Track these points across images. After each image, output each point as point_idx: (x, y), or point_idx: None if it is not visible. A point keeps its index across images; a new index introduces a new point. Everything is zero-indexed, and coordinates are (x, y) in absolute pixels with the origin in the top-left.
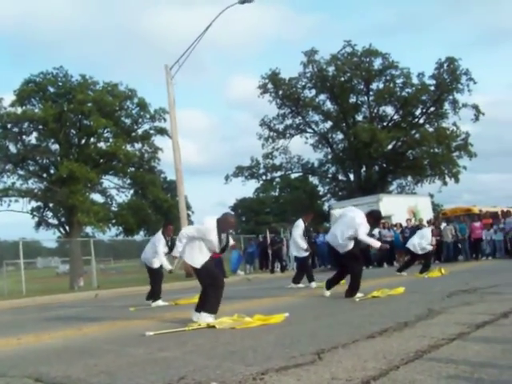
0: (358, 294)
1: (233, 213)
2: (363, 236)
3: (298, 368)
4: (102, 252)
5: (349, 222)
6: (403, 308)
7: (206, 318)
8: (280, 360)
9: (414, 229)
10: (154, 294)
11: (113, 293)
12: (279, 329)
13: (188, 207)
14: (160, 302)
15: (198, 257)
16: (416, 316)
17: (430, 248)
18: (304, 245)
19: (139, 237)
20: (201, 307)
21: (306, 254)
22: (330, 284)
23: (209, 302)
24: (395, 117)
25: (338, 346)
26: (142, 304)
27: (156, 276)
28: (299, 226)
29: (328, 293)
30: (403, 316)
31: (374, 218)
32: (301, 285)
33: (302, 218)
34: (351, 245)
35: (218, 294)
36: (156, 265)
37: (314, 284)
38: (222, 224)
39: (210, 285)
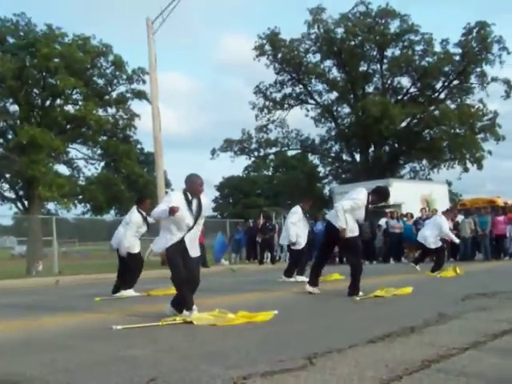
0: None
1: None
2: (339, 207)
3: (286, 373)
4: (65, 232)
5: (347, 196)
6: (410, 311)
7: (184, 312)
8: (266, 363)
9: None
10: (128, 282)
11: (76, 280)
12: (266, 328)
13: (167, 184)
14: (132, 292)
15: (161, 239)
16: (424, 320)
17: (456, 241)
18: (294, 237)
19: (109, 216)
20: (174, 301)
21: (302, 245)
22: (313, 280)
23: (176, 298)
24: (412, 90)
25: (332, 350)
26: (110, 294)
27: (137, 262)
28: (296, 212)
29: (311, 288)
30: (410, 320)
31: (380, 194)
32: (293, 279)
33: (300, 203)
34: (356, 230)
35: (183, 290)
36: (136, 249)
37: (301, 278)
38: (189, 187)
39: (172, 278)
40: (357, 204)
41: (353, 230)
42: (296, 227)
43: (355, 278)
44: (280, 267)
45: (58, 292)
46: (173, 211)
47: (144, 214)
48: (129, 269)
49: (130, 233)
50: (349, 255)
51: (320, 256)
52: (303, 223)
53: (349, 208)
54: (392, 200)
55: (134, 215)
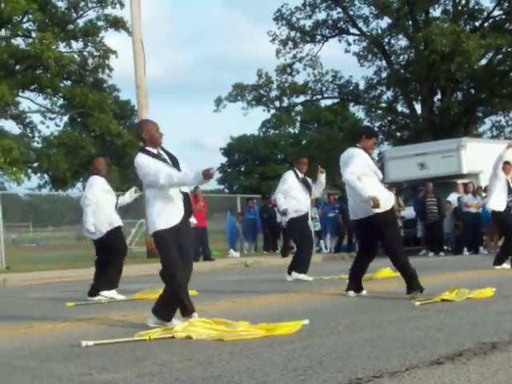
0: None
1: None
2: (349, 177)
3: None
4: (15, 213)
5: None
6: (490, 320)
7: (173, 322)
8: None
9: None
10: (107, 282)
11: (30, 278)
12: (292, 344)
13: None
14: (114, 294)
15: (161, 218)
16: (511, 334)
17: None
18: (283, 204)
19: (75, 192)
20: (159, 308)
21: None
22: (354, 283)
23: (161, 302)
24: (495, 13)
25: (382, 373)
26: (84, 297)
27: (115, 253)
28: (286, 180)
29: (352, 293)
30: (490, 333)
31: (359, 134)
32: (289, 277)
33: (293, 167)
34: (388, 200)
35: (181, 292)
36: (115, 222)
37: (301, 276)
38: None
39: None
40: (360, 161)
41: (384, 201)
42: (290, 198)
43: (405, 274)
44: (312, 261)
45: (6, 295)
46: (209, 175)
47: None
48: (109, 256)
49: (91, 200)
50: (382, 243)
51: (360, 249)
52: (301, 192)
53: (356, 170)
54: (466, 168)
55: (94, 184)
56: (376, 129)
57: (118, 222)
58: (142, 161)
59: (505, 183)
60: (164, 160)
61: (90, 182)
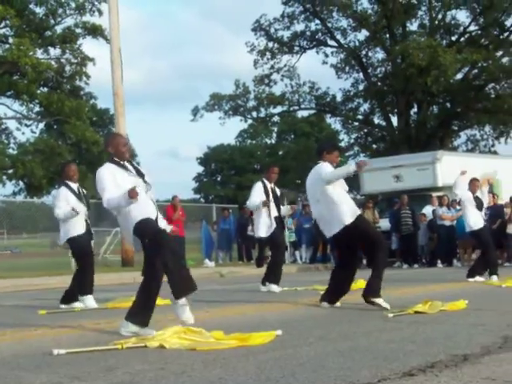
0: (383, 303)
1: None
2: (328, 175)
3: None
4: None
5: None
6: (463, 333)
7: (146, 331)
8: None
9: (498, 209)
10: (82, 289)
11: (3, 285)
12: (264, 354)
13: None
14: (91, 301)
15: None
16: (482, 346)
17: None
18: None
19: (51, 198)
20: (132, 314)
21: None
22: (330, 295)
23: (140, 306)
24: (471, 28)
25: None
26: (55, 306)
27: (85, 260)
28: (255, 190)
29: (326, 305)
30: (462, 345)
31: (320, 149)
32: (264, 288)
33: (263, 176)
34: (356, 209)
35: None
36: (74, 231)
37: (273, 288)
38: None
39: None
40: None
41: (352, 212)
42: (260, 213)
43: (376, 274)
44: (285, 271)
45: None
46: (134, 193)
47: (74, 186)
48: (81, 269)
49: (62, 203)
50: (366, 246)
51: (341, 263)
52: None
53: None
54: (441, 181)
55: (60, 192)
56: (352, 140)
57: (78, 231)
58: (100, 176)
59: (472, 200)
60: (129, 171)
61: (54, 194)
